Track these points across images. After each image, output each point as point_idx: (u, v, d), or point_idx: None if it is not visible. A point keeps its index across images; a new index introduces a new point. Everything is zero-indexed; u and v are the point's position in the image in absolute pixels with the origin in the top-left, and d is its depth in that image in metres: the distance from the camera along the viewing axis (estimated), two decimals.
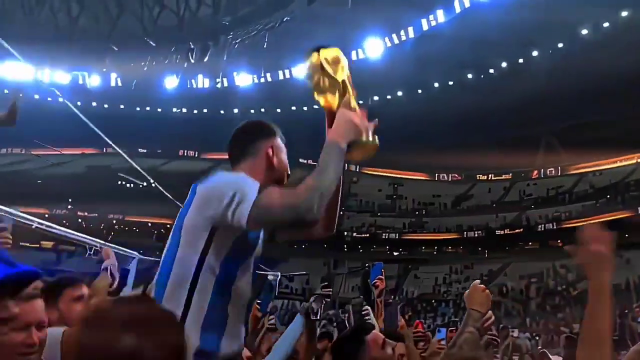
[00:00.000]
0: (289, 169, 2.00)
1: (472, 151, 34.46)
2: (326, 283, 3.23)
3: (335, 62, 1.82)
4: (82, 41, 32.55)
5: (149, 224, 36.49)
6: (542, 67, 31.86)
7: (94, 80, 36.46)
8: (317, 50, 1.84)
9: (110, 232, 31.49)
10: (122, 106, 39.00)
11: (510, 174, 38.53)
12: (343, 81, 1.81)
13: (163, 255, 1.73)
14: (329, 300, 3.16)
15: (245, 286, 1.76)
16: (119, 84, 36.17)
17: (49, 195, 33.56)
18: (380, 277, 3.44)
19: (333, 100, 1.80)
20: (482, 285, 2.06)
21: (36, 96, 33.82)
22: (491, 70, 34.68)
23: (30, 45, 31.44)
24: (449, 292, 32.45)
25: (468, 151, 34.68)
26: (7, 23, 30.37)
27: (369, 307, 3.22)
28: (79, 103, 33.98)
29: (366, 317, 3.15)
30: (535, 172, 37.75)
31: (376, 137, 1.79)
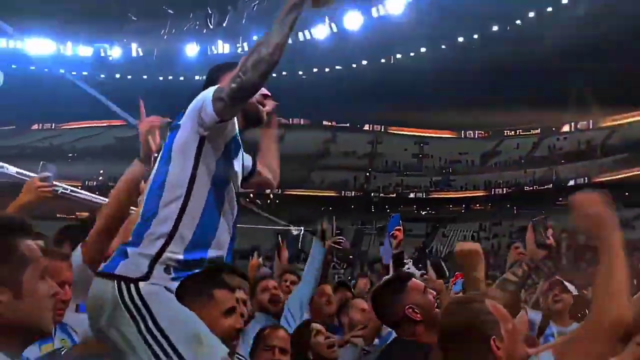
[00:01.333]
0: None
1: (499, 106, 33.69)
2: (338, 232, 3.28)
3: None
4: (102, 14, 32.56)
5: None
6: (571, 16, 30.53)
7: (115, 52, 36.62)
8: None
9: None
10: (144, 76, 39.21)
11: (539, 129, 37.65)
12: None
13: (153, 174, 1.84)
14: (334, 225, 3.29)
15: (232, 201, 1.88)
16: (140, 54, 36.26)
17: (81, 167, 34.39)
18: (399, 227, 3.42)
19: None
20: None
21: (61, 70, 34.28)
22: (518, 21, 33.43)
23: (51, 21, 31.70)
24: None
25: (495, 107, 33.93)
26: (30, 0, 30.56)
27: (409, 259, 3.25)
28: (102, 76, 34.47)
29: (406, 267, 3.20)
30: (566, 126, 36.76)
31: None
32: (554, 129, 37.12)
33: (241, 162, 2.04)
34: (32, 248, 1.09)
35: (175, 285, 1.70)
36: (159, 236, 1.72)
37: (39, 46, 33.78)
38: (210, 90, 1.77)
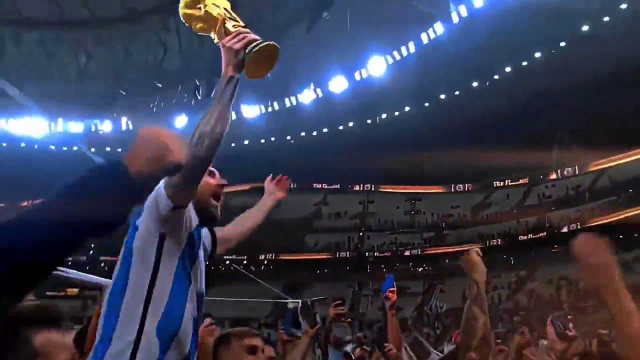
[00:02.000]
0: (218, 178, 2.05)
1: (485, 158, 34.24)
2: (339, 302, 3.22)
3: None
4: (91, 90, 33.30)
5: None
6: (546, 67, 31.78)
7: (105, 127, 37.15)
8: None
9: None
10: None
11: (527, 178, 38.13)
12: (217, 13, 1.81)
13: (113, 279, 1.79)
14: (344, 319, 3.18)
15: (193, 298, 1.83)
16: (130, 127, 36.80)
17: None
18: (392, 289, 3.39)
19: (205, 25, 1.83)
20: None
21: (52, 147, 34.55)
22: (496, 76, 34.65)
23: (43, 99, 32.32)
24: None
25: (482, 159, 34.47)
26: (22, 80, 31.25)
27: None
28: (92, 149, 34.71)
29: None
30: (553, 172, 37.30)
31: (261, 42, 1.78)
32: (542, 176, 37.60)
33: (203, 255, 1.99)
34: (48, 342, 1.05)
35: None
36: (127, 344, 1.66)
37: (30, 125, 34.28)
38: (162, 181, 1.74)
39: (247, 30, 1.77)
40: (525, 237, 33.78)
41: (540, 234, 33.39)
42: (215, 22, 1.78)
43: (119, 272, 1.78)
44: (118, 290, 1.74)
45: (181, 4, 1.83)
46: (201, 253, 1.94)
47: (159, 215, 1.73)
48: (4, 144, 34.25)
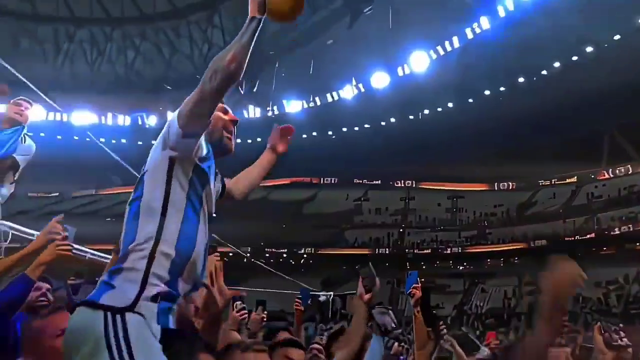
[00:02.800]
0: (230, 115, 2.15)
1: (532, 156, 33.29)
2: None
3: None
4: (139, 85, 34.32)
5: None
6: (598, 63, 30.51)
7: (151, 120, 38.22)
8: None
9: None
10: None
11: (575, 177, 36.83)
12: None
13: (128, 204, 1.87)
14: (389, 309, 3.16)
15: (206, 222, 1.90)
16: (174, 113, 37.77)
17: (118, 232, 35.14)
18: (416, 285, 3.37)
19: None
20: None
21: (102, 139, 35.75)
22: (544, 72, 33.54)
23: (94, 94, 33.57)
24: (520, 304, 31.14)
25: (527, 157, 33.53)
26: (74, 76, 32.58)
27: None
28: (140, 142, 35.79)
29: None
30: (603, 172, 35.89)
31: None
32: (592, 176, 36.19)
33: (215, 185, 2.06)
34: None
35: (156, 324, 1.69)
36: (141, 257, 1.73)
37: (82, 118, 35.68)
38: (176, 111, 1.85)
39: None
40: (572, 238, 32.66)
41: (589, 235, 32.22)
42: None
43: (132, 197, 1.86)
44: (134, 212, 1.81)
45: None
46: (213, 183, 1.98)
47: (169, 142, 1.82)
48: (59, 137, 35.77)
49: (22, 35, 30.89)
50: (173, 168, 1.82)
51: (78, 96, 32.12)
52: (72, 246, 2.58)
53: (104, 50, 33.47)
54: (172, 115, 1.85)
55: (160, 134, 1.88)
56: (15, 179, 3.59)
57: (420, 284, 3.42)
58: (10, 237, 3.70)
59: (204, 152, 1.91)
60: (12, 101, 3.62)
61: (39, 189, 36.93)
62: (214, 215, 1.97)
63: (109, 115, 36.92)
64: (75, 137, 37.24)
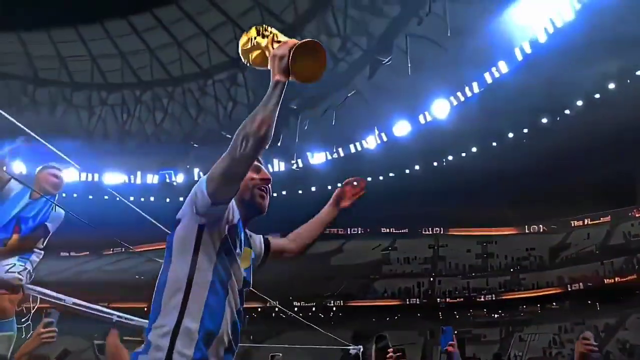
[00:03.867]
0: (265, 173, 2.12)
1: (561, 197, 32.64)
2: (399, 351, 3.10)
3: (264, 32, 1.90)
4: (167, 144, 35.31)
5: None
6: (621, 99, 30.25)
7: (179, 178, 39.05)
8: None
9: None
10: None
11: (609, 216, 35.80)
12: (266, 37, 1.88)
13: (159, 276, 1.81)
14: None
15: (235, 295, 1.83)
16: (202, 177, 38.45)
17: (148, 288, 35.30)
18: (452, 342, 3.24)
19: (259, 53, 1.89)
20: None
21: (131, 198, 36.65)
22: (567, 111, 33.37)
23: (122, 154, 34.66)
24: (561, 353, 29.67)
25: (557, 198, 32.88)
26: (104, 137, 33.79)
27: None
28: (167, 200, 36.44)
29: None
30: (639, 210, 34.84)
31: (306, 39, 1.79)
32: (625, 214, 35.14)
33: (243, 252, 1.97)
34: None
35: None
36: (165, 333, 1.68)
37: (112, 178, 36.75)
38: (205, 176, 1.82)
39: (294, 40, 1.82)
40: (613, 280, 31.36)
41: (630, 277, 30.90)
42: (265, 47, 1.86)
43: (162, 268, 1.81)
44: (161, 285, 1.77)
45: (240, 47, 1.94)
46: (241, 251, 1.93)
47: (198, 209, 1.77)
48: (90, 197, 36.75)
49: (60, 102, 32.48)
50: (202, 237, 1.78)
51: (108, 156, 33.23)
52: (55, 331, 2.58)
53: (134, 111, 34.80)
54: (200, 181, 1.81)
55: (189, 199, 1.83)
56: (43, 245, 3.64)
57: (455, 341, 3.30)
58: (38, 301, 3.74)
59: (236, 218, 1.88)
60: (45, 171, 3.67)
61: (70, 249, 37.63)
62: (248, 284, 1.94)
63: (138, 174, 37.87)
64: (106, 197, 38.20)
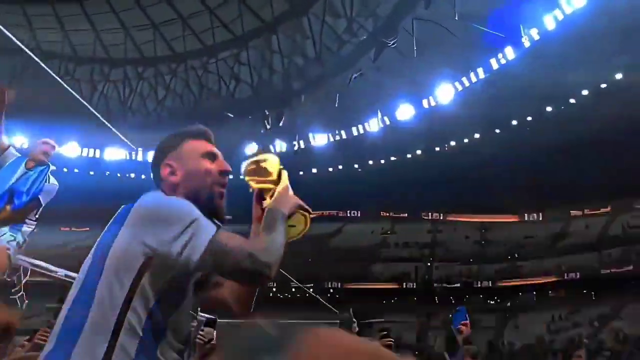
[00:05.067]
0: (225, 166, 1.71)
1: (562, 187, 32.61)
2: (385, 332, 3.12)
3: (264, 162, 1.85)
4: (169, 122, 35.19)
5: None
6: (628, 89, 30.03)
7: None
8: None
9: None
10: None
11: (609, 207, 35.81)
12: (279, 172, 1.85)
13: (72, 292, 1.42)
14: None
15: (179, 334, 1.46)
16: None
17: None
18: (465, 321, 3.24)
19: (266, 186, 1.81)
20: None
21: (132, 175, 36.71)
22: (572, 100, 33.15)
23: (125, 130, 34.59)
24: (555, 340, 29.95)
25: (558, 187, 32.86)
26: (107, 114, 33.68)
27: None
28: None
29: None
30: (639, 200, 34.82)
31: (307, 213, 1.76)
32: (630, 205, 35.08)
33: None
34: None
35: None
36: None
37: (113, 154, 36.77)
38: (197, 228, 1.39)
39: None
40: (609, 271, 31.52)
41: (626, 268, 31.05)
42: (280, 183, 1.82)
43: (84, 282, 1.42)
44: (85, 300, 1.37)
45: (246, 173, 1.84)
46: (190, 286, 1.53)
47: (168, 252, 1.37)
48: (92, 173, 36.83)
49: (63, 76, 32.34)
50: (147, 268, 1.39)
51: (111, 133, 33.15)
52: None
53: (136, 88, 34.62)
54: (195, 227, 1.40)
55: (152, 222, 1.41)
56: (36, 216, 3.67)
57: (469, 321, 3.30)
58: (29, 272, 3.76)
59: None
60: (39, 141, 3.74)
61: (71, 224, 37.78)
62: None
63: (139, 150, 37.83)
64: (107, 173, 38.22)
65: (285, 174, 1.86)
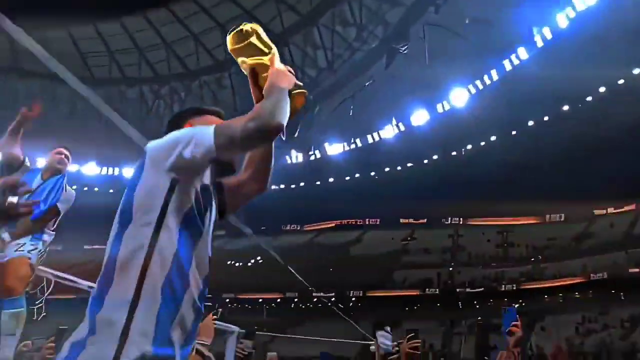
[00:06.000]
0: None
1: (583, 185, 32.07)
2: (412, 334, 3.00)
3: (252, 31, 1.77)
4: None
5: (259, 300, 37.44)
6: None
7: None
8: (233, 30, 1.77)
9: (224, 311, 32.53)
10: None
11: (634, 204, 35.10)
12: (265, 43, 1.77)
13: (108, 247, 1.51)
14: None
15: (203, 261, 1.54)
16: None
17: None
18: (516, 322, 3.10)
19: (255, 60, 1.77)
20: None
21: None
22: (588, 98, 32.71)
23: (141, 148, 35.11)
24: (584, 343, 29.33)
25: (579, 186, 32.32)
26: (124, 132, 34.16)
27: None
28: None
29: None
30: None
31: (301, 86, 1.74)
32: None
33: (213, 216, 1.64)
34: None
35: None
36: (120, 305, 1.38)
37: (131, 171, 37.35)
38: (201, 128, 1.55)
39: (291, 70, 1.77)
40: (637, 270, 30.79)
41: None
42: (267, 56, 1.76)
43: (112, 237, 1.50)
44: (112, 259, 1.45)
45: (229, 42, 1.79)
46: (212, 212, 1.63)
47: (185, 160, 1.48)
48: (111, 190, 37.35)
49: (79, 98, 32.97)
50: (171, 198, 1.49)
51: (128, 151, 33.68)
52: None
53: (152, 106, 35.13)
54: (185, 133, 1.55)
55: (154, 155, 1.53)
56: (54, 226, 3.73)
57: (520, 321, 3.15)
58: (52, 284, 3.81)
59: (207, 178, 1.59)
60: (53, 152, 3.80)
61: (94, 242, 38.31)
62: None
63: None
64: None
65: (271, 44, 1.79)
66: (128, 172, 37.43)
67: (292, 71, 1.77)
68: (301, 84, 1.76)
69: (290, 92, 1.68)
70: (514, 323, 3.05)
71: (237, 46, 1.77)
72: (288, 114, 1.61)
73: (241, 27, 1.77)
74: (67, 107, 32.59)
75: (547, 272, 34.45)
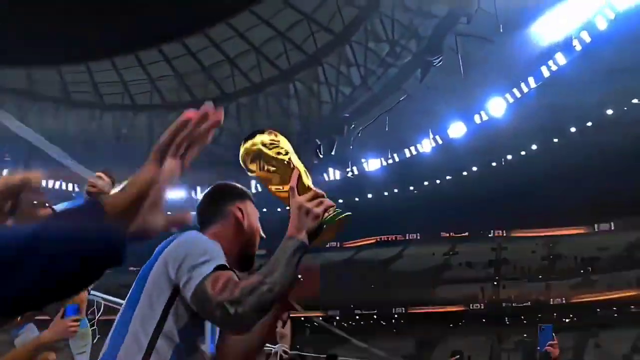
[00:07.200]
0: (261, 232, 1.88)
1: (633, 192, 30.78)
2: (457, 356, 2.90)
3: (273, 143, 1.63)
4: (223, 158, 36.26)
5: (302, 319, 37.39)
6: None
7: None
8: (250, 137, 1.65)
9: None
10: (264, 209, 41.80)
11: None
12: (288, 160, 1.62)
13: (118, 316, 1.63)
14: None
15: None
16: (259, 189, 39.17)
17: None
18: (553, 342, 2.96)
19: (281, 183, 1.62)
20: None
21: (192, 212, 37.82)
22: (635, 100, 31.54)
23: (188, 170, 35.92)
24: None
25: (628, 193, 31.05)
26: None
27: None
28: None
29: None
30: None
31: (338, 210, 1.57)
32: None
33: None
34: None
35: None
36: None
37: (172, 194, 38.22)
38: (216, 255, 1.55)
39: (322, 192, 1.57)
40: None
41: None
42: (289, 172, 1.59)
43: (124, 309, 1.63)
44: (118, 334, 1.57)
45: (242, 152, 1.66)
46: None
47: (178, 284, 1.53)
48: None
49: (90, 124, 33.97)
50: (176, 297, 1.55)
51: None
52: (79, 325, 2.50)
53: None
54: (208, 256, 1.52)
55: (174, 257, 1.57)
56: None
57: (557, 340, 3.02)
58: (102, 307, 3.91)
59: None
60: (93, 177, 3.91)
61: (137, 264, 39.24)
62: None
63: (198, 189, 39.12)
64: (168, 212, 39.63)
65: (296, 163, 1.62)
66: (172, 194, 38.31)
67: (323, 194, 1.58)
68: (332, 204, 1.56)
69: (328, 219, 1.51)
70: (550, 342, 2.90)
71: (259, 173, 1.63)
72: (271, 296, 1.45)
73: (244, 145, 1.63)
74: (110, 134, 33.76)
75: (599, 284, 33.07)
